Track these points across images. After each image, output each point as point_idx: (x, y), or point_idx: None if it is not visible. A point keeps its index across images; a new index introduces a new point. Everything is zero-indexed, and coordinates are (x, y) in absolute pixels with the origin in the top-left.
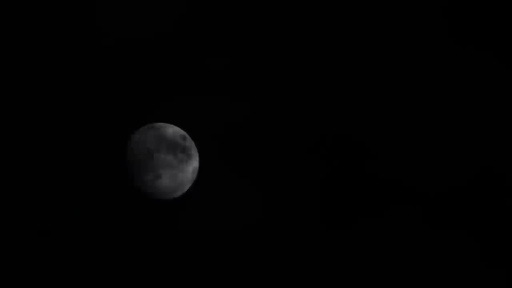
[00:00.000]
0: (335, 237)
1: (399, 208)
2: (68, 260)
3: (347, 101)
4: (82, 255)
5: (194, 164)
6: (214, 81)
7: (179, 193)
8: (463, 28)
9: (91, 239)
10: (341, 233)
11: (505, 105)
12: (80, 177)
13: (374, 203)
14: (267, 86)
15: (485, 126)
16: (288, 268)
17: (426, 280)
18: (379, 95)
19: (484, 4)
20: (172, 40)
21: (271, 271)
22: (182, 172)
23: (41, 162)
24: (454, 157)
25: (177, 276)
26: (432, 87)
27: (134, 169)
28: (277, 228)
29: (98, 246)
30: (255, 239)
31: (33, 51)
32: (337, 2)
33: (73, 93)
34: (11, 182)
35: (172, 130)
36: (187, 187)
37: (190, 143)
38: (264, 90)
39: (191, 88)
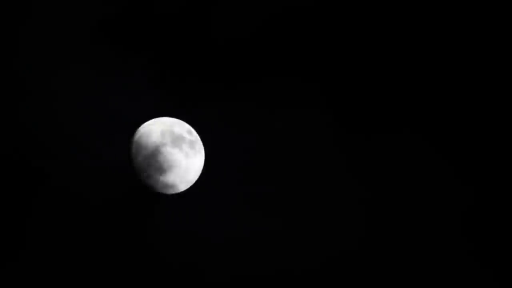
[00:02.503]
0: None
1: None
2: (72, 255)
3: None
4: (86, 250)
5: (199, 158)
6: (219, 78)
7: (183, 188)
8: None
9: (96, 235)
10: None
11: None
12: (85, 171)
13: None
14: (271, 84)
15: None
16: (289, 268)
17: None
18: None
19: None
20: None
21: (272, 271)
22: (187, 166)
23: (45, 157)
24: None
25: (178, 271)
26: None
27: (140, 164)
28: (279, 226)
29: (102, 241)
30: (255, 236)
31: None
32: None
33: (77, 88)
34: (16, 177)
35: (178, 125)
36: (192, 182)
37: (196, 137)
38: (267, 88)
39: (197, 84)
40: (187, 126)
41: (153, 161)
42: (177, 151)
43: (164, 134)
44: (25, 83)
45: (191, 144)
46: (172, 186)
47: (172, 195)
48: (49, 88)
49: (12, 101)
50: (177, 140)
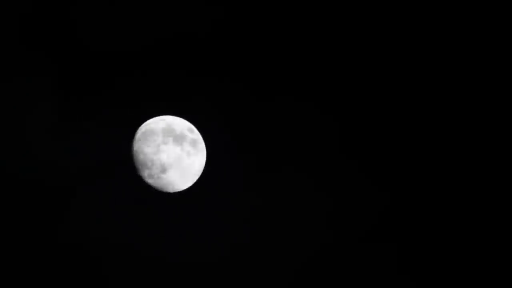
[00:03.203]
0: None
1: None
2: (73, 251)
3: None
4: (86, 250)
5: (201, 157)
6: (221, 76)
7: (185, 186)
8: None
9: (97, 232)
10: None
11: None
12: (86, 168)
13: None
14: (272, 83)
15: None
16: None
17: None
18: None
19: None
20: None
21: (274, 273)
22: (189, 165)
23: (48, 156)
24: None
25: (180, 269)
26: None
27: (141, 162)
28: (277, 227)
29: (102, 240)
30: (257, 234)
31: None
32: None
33: (80, 87)
34: (19, 179)
35: (180, 123)
36: (193, 180)
37: (197, 136)
38: (268, 87)
39: (198, 83)
40: (188, 124)
41: (154, 159)
42: (179, 149)
43: (166, 132)
44: None
45: (193, 142)
46: (173, 184)
47: (174, 193)
48: None
49: None
50: (178, 138)
